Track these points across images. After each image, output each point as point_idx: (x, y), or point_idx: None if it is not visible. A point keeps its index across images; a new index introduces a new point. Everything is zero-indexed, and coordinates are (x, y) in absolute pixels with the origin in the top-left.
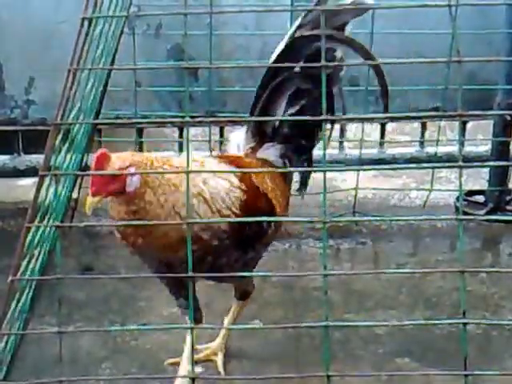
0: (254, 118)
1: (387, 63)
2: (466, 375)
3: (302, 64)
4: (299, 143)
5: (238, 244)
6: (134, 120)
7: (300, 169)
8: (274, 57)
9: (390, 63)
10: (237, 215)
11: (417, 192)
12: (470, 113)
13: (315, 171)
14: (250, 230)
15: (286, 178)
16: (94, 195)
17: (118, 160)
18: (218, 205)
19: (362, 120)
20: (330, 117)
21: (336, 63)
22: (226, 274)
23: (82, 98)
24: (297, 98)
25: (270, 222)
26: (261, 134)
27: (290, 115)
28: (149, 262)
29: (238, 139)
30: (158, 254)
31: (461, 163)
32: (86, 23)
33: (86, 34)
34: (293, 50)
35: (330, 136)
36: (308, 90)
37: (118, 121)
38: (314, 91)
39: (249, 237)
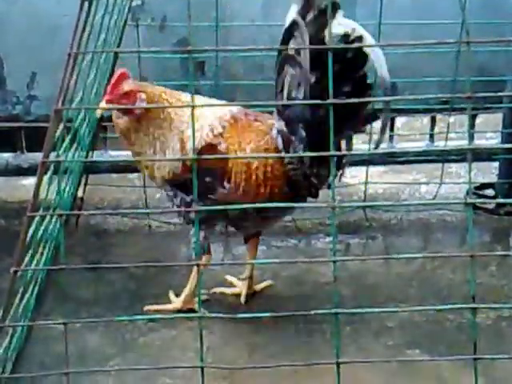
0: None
1: (394, 45)
2: (474, 359)
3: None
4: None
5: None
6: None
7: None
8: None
9: (397, 45)
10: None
11: (427, 187)
12: (480, 94)
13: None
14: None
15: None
16: (107, 102)
17: (134, 84)
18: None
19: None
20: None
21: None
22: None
23: (84, 89)
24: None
25: (221, 181)
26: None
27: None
28: None
29: None
30: None
31: (470, 146)
32: (85, 5)
33: (86, 17)
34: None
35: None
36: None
37: (122, 106)
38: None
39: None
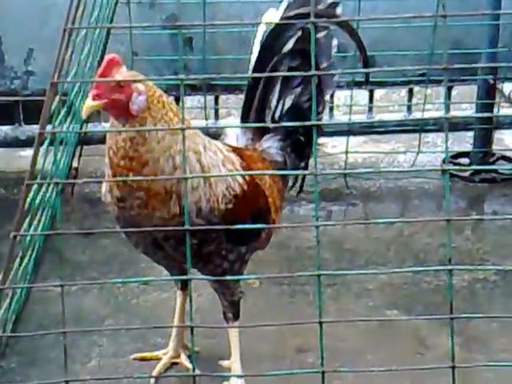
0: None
1: (372, 19)
2: (451, 318)
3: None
4: (298, 138)
5: (227, 234)
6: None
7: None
8: (260, 41)
9: (375, 19)
10: (233, 207)
11: (405, 156)
12: (455, 66)
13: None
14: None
15: (285, 176)
16: (94, 99)
17: (130, 73)
18: (215, 187)
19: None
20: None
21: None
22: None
23: (79, 64)
24: (290, 84)
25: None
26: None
27: (288, 106)
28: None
29: (235, 130)
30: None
31: (447, 115)
32: None
33: None
34: (280, 31)
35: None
36: (299, 69)
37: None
38: (306, 69)
39: (240, 232)
